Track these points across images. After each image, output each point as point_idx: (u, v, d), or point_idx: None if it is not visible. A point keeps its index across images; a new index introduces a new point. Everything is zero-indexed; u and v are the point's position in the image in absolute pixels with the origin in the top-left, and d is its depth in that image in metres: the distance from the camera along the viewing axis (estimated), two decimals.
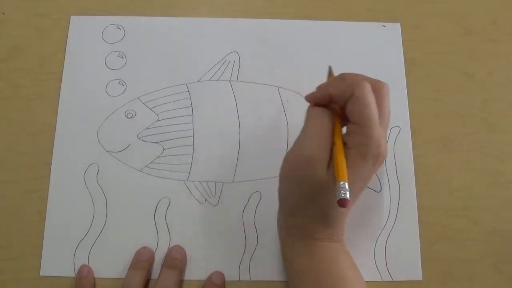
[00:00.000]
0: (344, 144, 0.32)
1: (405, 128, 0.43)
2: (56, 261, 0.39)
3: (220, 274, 0.39)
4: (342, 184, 0.30)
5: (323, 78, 0.43)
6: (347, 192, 0.29)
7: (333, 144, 0.32)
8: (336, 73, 0.44)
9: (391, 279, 0.39)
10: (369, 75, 0.44)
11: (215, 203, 0.40)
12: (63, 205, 0.40)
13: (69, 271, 0.39)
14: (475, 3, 0.47)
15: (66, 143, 0.41)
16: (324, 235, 0.34)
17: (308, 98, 0.35)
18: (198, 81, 0.43)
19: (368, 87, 0.32)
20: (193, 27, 0.45)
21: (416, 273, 0.39)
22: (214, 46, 0.45)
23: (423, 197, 0.41)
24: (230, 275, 0.39)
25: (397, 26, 0.46)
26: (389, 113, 0.34)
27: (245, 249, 0.39)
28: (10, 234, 0.39)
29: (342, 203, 0.29)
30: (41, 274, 0.38)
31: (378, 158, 0.32)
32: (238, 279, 0.39)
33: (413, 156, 0.42)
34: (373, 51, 0.45)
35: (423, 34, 0.46)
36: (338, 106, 0.34)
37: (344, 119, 0.33)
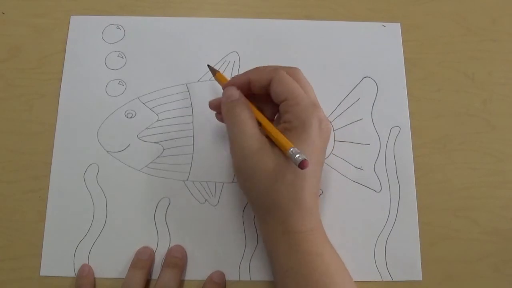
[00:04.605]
0: (284, 123, 0.34)
1: (405, 128, 0.43)
2: (56, 261, 0.39)
3: (221, 274, 0.39)
4: (291, 150, 0.31)
5: (323, 78, 0.44)
6: (299, 154, 0.30)
7: (260, 126, 0.34)
8: (334, 73, 0.44)
9: (391, 279, 0.39)
10: (369, 75, 0.44)
11: (215, 203, 0.40)
12: (63, 205, 0.40)
13: (69, 271, 0.39)
14: (475, 3, 0.47)
15: (66, 143, 0.41)
16: (304, 227, 0.33)
17: (227, 84, 0.37)
18: (198, 81, 0.43)
19: (284, 71, 0.35)
20: (193, 27, 0.45)
21: (416, 273, 0.39)
22: (214, 46, 0.45)
23: (423, 197, 0.41)
24: (230, 275, 0.39)
25: (397, 26, 0.46)
26: (312, 89, 0.36)
27: (245, 249, 0.39)
28: (10, 234, 0.39)
29: (303, 164, 0.30)
30: (41, 274, 0.38)
31: (320, 122, 0.33)
32: (238, 279, 0.39)
33: (413, 156, 0.42)
34: (373, 51, 0.45)
35: (423, 34, 0.46)
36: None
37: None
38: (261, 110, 0.36)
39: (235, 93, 0.36)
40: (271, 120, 0.37)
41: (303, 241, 0.33)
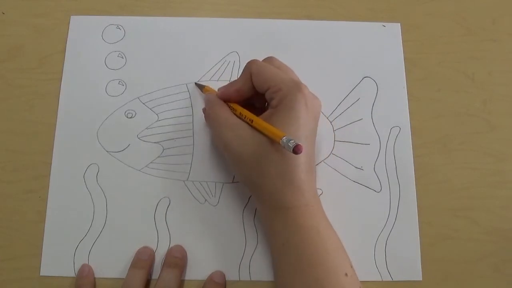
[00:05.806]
0: (271, 108, 0.35)
1: (405, 128, 0.43)
2: (56, 261, 0.39)
3: (221, 273, 0.39)
4: (284, 139, 0.31)
5: (322, 78, 0.44)
6: (292, 140, 0.31)
7: (250, 121, 0.35)
8: (334, 73, 0.44)
9: (391, 279, 0.39)
10: (369, 75, 0.44)
11: (215, 203, 0.40)
12: (63, 205, 0.40)
13: (69, 271, 0.39)
14: (475, 3, 0.47)
15: (66, 143, 0.41)
16: (297, 203, 0.33)
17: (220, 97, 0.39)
18: (198, 81, 0.43)
19: (259, 61, 0.37)
20: (193, 27, 0.45)
21: (416, 273, 0.39)
22: (214, 46, 0.45)
23: (423, 197, 0.41)
24: (230, 275, 0.39)
25: (397, 26, 0.46)
26: (292, 71, 0.38)
27: (245, 249, 0.39)
28: (10, 234, 0.39)
29: (297, 149, 0.30)
30: (41, 274, 0.38)
31: (305, 99, 0.34)
32: (238, 279, 0.39)
33: (413, 156, 0.42)
34: (373, 51, 0.45)
35: (423, 34, 0.46)
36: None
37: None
38: (251, 104, 0.38)
39: (212, 96, 0.39)
40: (263, 109, 0.38)
41: (297, 215, 0.33)
